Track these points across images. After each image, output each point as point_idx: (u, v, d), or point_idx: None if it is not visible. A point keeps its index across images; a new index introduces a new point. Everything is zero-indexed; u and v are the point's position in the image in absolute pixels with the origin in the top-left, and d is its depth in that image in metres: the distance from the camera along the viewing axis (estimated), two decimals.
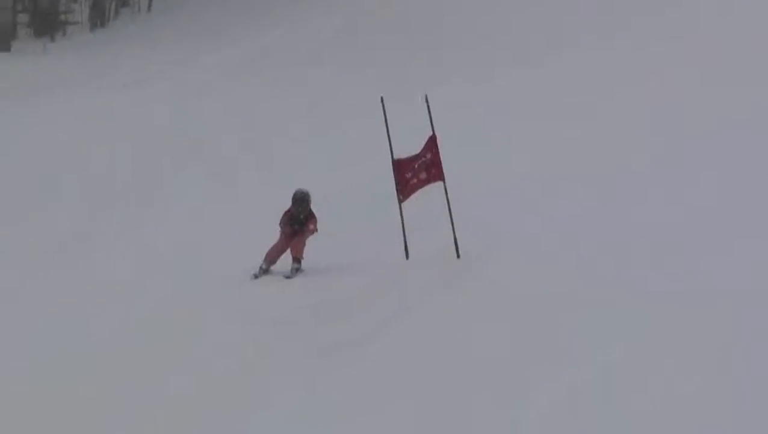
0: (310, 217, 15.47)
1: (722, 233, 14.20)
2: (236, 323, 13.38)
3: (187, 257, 16.23)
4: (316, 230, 15.46)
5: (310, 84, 28.21)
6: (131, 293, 14.82)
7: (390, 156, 15.10)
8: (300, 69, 30.22)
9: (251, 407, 10.85)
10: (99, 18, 45.49)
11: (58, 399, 11.49)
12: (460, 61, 27.97)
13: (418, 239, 15.17)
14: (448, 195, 14.93)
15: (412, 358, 11.45)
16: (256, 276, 15.11)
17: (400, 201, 15.15)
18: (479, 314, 12.42)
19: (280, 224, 15.48)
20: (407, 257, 15.16)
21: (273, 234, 15.45)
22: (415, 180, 15.09)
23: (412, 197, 15.15)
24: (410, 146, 15.21)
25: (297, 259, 15.25)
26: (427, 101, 15.10)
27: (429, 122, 15.02)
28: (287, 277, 15.06)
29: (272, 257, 15.29)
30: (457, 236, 14.83)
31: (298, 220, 15.46)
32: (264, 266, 15.21)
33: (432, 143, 15.03)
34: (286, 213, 15.54)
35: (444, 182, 15.05)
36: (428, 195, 15.23)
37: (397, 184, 15.13)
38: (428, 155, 15.03)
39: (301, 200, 15.46)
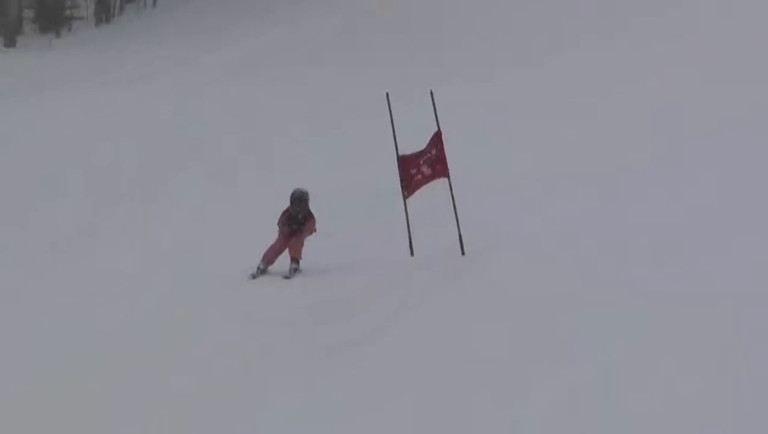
0: (309, 217, 15.45)
1: (722, 233, 14.19)
2: (236, 323, 13.38)
3: (187, 256, 16.23)
4: (315, 230, 15.45)
5: (310, 84, 28.21)
6: (134, 289, 14.82)
7: (395, 152, 15.15)
8: (300, 69, 30.23)
9: (251, 407, 10.85)
10: (104, 13, 45.56)
11: (61, 395, 11.48)
12: (460, 61, 27.98)
13: (422, 236, 15.20)
14: (453, 191, 14.99)
15: (411, 358, 11.45)
16: (253, 276, 15.10)
17: (405, 197, 15.20)
18: (479, 314, 12.41)
19: (278, 224, 15.46)
20: (412, 253, 15.19)
21: (272, 234, 15.44)
22: (419, 176, 15.12)
23: (417, 193, 15.19)
24: (410, 145, 15.23)
25: (295, 259, 15.23)
26: (432, 97, 15.14)
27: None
28: (286, 277, 15.04)
29: (270, 257, 15.27)
30: (460, 234, 14.87)
31: (297, 220, 15.43)
32: (262, 267, 15.19)
33: (437, 139, 15.06)
34: (284, 213, 15.52)
35: (449, 178, 15.09)
36: (432, 192, 15.26)
37: (401, 180, 15.17)
38: (433, 151, 15.07)
39: (299, 199, 15.44)
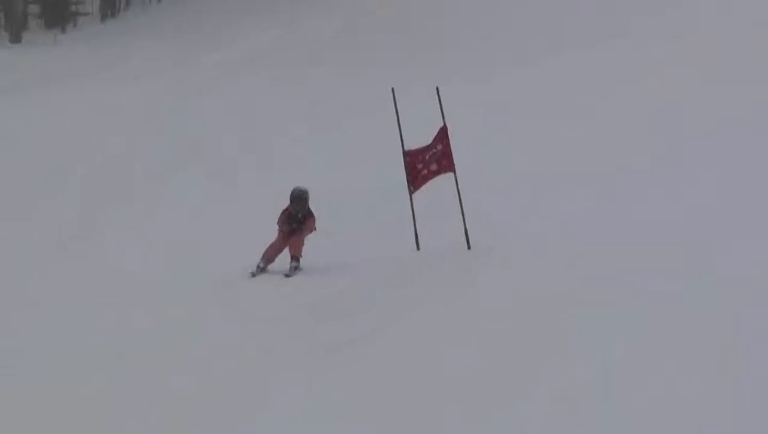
0: (309, 215, 15.45)
1: (722, 233, 14.21)
2: (236, 321, 13.38)
3: (188, 256, 16.22)
4: (315, 228, 15.45)
5: (310, 84, 28.20)
6: (136, 287, 14.81)
7: (401, 147, 15.20)
8: (300, 69, 30.21)
9: (251, 406, 10.85)
10: (110, 9, 45.57)
11: (61, 393, 11.47)
12: (460, 61, 27.96)
13: (428, 231, 15.25)
14: (459, 186, 15.03)
15: (412, 357, 11.45)
16: (253, 275, 15.10)
17: (411, 192, 15.24)
18: (479, 314, 12.41)
19: (278, 222, 15.46)
20: (418, 248, 15.22)
21: (272, 233, 15.43)
22: (425, 171, 15.19)
23: (423, 188, 15.25)
24: (411, 144, 15.26)
25: (295, 257, 15.23)
26: (438, 93, 15.17)
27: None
28: (287, 275, 15.05)
29: (270, 255, 15.27)
30: (466, 229, 14.91)
31: (297, 218, 15.43)
32: (261, 265, 15.19)
33: (443, 134, 15.10)
34: (284, 211, 15.51)
35: (455, 173, 15.13)
36: (437, 187, 15.30)
37: (408, 175, 15.22)
38: (439, 147, 15.13)
39: (299, 198, 15.43)
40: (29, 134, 24.51)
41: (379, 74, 25.77)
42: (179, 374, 11.84)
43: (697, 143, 18.58)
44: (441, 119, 15.23)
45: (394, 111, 15.47)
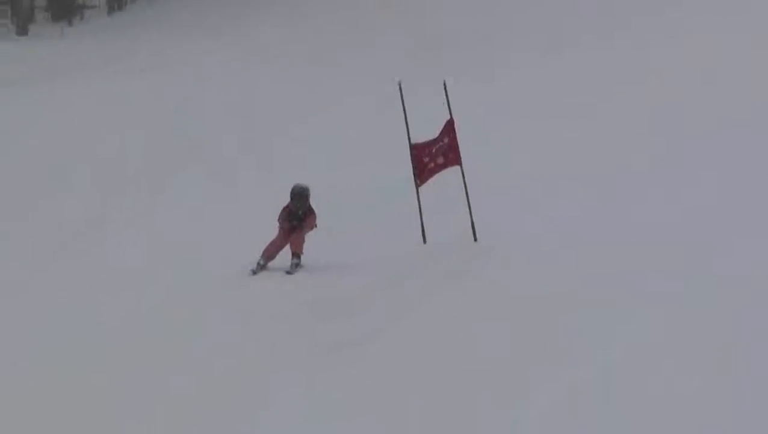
0: (309, 212, 15.43)
1: (722, 233, 14.21)
2: (236, 319, 13.36)
3: (188, 255, 16.21)
4: (316, 225, 15.44)
5: (309, 84, 28.19)
6: (137, 285, 14.82)
7: (407, 140, 15.26)
8: (300, 69, 30.21)
9: (251, 406, 10.85)
10: (116, 2, 45.46)
11: (62, 390, 11.46)
12: (459, 61, 27.94)
13: (434, 224, 15.30)
14: (465, 179, 15.08)
15: (412, 357, 11.46)
16: (254, 272, 15.09)
17: (417, 186, 15.29)
18: (479, 314, 12.42)
19: (278, 219, 15.45)
20: (425, 241, 15.26)
21: (273, 232, 15.43)
22: (432, 164, 15.24)
23: (430, 181, 15.28)
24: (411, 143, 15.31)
25: (296, 254, 15.21)
26: (445, 87, 15.26)
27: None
28: (288, 272, 15.04)
29: (270, 252, 15.26)
30: (473, 221, 14.95)
31: (297, 216, 15.41)
32: (262, 262, 15.17)
33: (449, 127, 15.12)
34: (284, 209, 15.50)
35: (461, 166, 15.17)
36: (443, 180, 15.34)
37: (414, 168, 15.25)
38: (445, 140, 15.17)
39: (299, 195, 15.42)
40: (34, 129, 24.49)
41: (379, 74, 25.76)
42: (179, 374, 11.83)
43: (697, 143, 18.59)
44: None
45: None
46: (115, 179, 20.98)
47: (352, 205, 17.32)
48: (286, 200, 15.53)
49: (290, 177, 16.29)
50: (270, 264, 15.22)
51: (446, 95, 15.27)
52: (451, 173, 15.38)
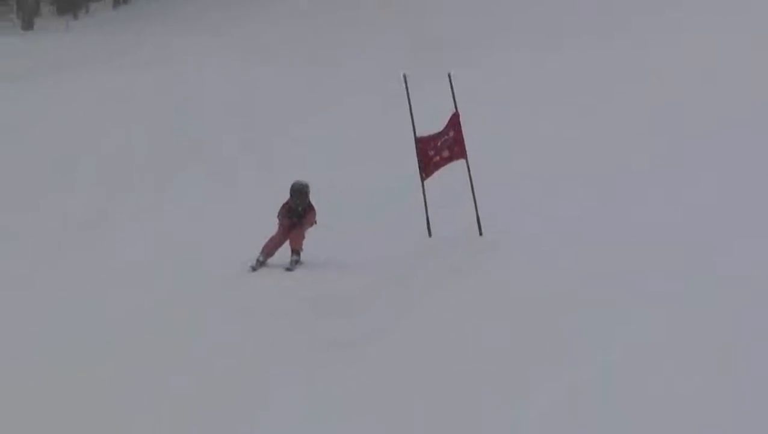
0: (309, 209, 15.42)
1: (722, 233, 14.22)
2: (237, 316, 13.36)
3: (189, 255, 16.21)
4: (315, 222, 15.43)
5: (309, 83, 28.17)
6: (139, 282, 14.82)
7: (413, 134, 15.31)
8: (300, 69, 30.19)
9: (251, 404, 10.85)
10: None
11: (64, 386, 11.49)
12: (459, 61, 27.90)
13: (439, 218, 15.33)
14: (471, 172, 15.08)
15: (413, 356, 11.46)
16: (253, 268, 15.09)
17: (423, 179, 15.31)
18: (479, 314, 12.42)
19: (278, 216, 15.44)
20: (430, 235, 15.33)
21: (272, 230, 15.41)
22: (437, 158, 15.27)
23: (435, 174, 15.30)
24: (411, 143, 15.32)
25: (296, 251, 15.20)
26: (450, 80, 15.27)
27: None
28: (288, 269, 15.03)
29: (270, 249, 15.24)
30: (478, 215, 15.01)
31: (297, 212, 15.40)
32: (261, 259, 15.16)
33: (455, 121, 15.14)
34: (284, 205, 15.49)
35: (467, 160, 15.18)
36: (448, 174, 15.35)
37: (419, 162, 15.27)
38: (451, 133, 15.19)
39: (299, 192, 15.40)
40: (40, 123, 24.42)
41: (379, 74, 25.76)
42: (179, 373, 11.84)
43: (697, 143, 18.59)
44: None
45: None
46: (120, 174, 20.96)
47: (352, 203, 17.31)
48: (286, 199, 15.52)
49: (290, 177, 16.28)
50: (269, 261, 15.21)
51: (451, 88, 15.27)
52: (455, 167, 15.38)
